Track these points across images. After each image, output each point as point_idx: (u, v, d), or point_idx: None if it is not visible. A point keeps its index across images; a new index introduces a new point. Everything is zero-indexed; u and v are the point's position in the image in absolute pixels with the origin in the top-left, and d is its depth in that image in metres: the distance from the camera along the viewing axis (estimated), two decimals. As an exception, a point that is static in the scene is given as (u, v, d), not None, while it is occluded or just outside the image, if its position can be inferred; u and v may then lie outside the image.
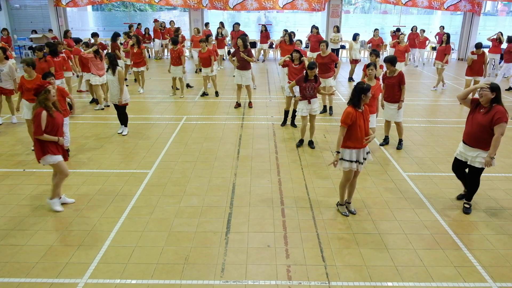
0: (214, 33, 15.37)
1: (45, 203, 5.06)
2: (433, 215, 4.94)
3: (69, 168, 5.03)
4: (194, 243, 4.32)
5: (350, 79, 13.10)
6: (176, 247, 4.26)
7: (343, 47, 17.12)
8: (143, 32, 16.26)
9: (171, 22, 16.65)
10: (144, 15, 25.87)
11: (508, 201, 5.34)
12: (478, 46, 10.10)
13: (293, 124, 8.32)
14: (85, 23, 22.08)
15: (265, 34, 16.32)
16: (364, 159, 4.69)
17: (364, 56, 17.84)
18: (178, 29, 15.23)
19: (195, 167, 6.26)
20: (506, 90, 11.86)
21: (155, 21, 17.60)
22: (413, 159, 6.68)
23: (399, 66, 11.62)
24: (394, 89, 6.83)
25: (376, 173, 6.15)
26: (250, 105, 9.77)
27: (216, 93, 10.87)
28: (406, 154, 6.93)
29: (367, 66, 6.46)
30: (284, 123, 8.32)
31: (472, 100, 4.79)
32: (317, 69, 6.74)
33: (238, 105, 9.77)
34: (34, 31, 16.52)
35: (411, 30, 15.74)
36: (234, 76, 13.45)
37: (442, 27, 15.50)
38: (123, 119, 7.75)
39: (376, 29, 13.57)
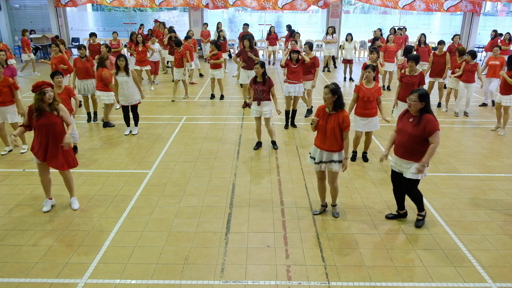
0: (212, 34, 15.08)
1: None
2: (433, 215, 4.94)
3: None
4: (194, 243, 4.33)
5: (350, 79, 13.09)
6: (176, 247, 4.26)
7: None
8: (145, 33, 16.13)
9: (163, 24, 16.13)
10: (144, 15, 25.79)
11: (508, 201, 5.34)
12: (441, 42, 9.31)
13: (293, 124, 8.31)
14: (85, 23, 22.06)
15: (274, 35, 15.20)
16: (322, 161, 4.63)
17: (363, 56, 17.86)
18: (171, 28, 14.81)
19: (195, 167, 6.26)
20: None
21: (155, 21, 17.54)
22: (413, 159, 6.67)
23: (390, 67, 11.57)
24: (413, 89, 6.69)
25: (375, 173, 6.15)
26: (250, 105, 9.75)
27: (222, 97, 10.60)
28: (406, 154, 6.92)
29: (365, 68, 6.37)
30: (287, 126, 8.27)
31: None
32: (263, 69, 6.52)
33: (246, 104, 9.76)
34: (33, 31, 16.49)
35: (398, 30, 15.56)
36: (233, 76, 13.38)
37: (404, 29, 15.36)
38: (136, 118, 7.79)
39: (379, 29, 13.51)
